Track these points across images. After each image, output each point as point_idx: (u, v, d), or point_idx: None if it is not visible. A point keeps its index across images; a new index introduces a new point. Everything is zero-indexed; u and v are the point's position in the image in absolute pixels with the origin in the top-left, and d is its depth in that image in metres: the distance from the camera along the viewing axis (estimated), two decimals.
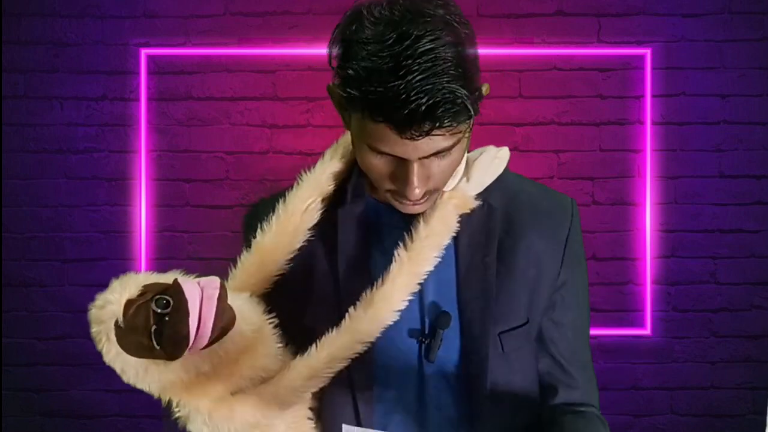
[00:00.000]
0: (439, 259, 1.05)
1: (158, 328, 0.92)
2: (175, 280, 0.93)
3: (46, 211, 2.47)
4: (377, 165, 0.99)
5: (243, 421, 1.00)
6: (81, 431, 2.46)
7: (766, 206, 2.45)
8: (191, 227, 2.47)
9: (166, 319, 0.92)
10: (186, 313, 0.90)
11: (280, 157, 2.43)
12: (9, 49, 2.46)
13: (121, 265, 2.43)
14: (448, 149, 0.96)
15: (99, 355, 0.95)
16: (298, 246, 1.09)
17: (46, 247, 2.47)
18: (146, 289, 0.95)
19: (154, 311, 0.92)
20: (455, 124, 0.93)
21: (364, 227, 1.10)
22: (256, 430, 1.02)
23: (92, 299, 0.95)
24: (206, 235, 2.46)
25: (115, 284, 0.96)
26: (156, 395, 1.00)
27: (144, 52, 2.45)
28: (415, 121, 0.90)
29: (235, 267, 1.09)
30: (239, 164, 2.45)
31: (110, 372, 0.96)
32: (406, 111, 0.89)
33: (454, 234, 1.07)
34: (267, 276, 1.09)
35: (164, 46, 2.45)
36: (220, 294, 0.92)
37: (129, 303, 0.94)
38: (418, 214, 1.06)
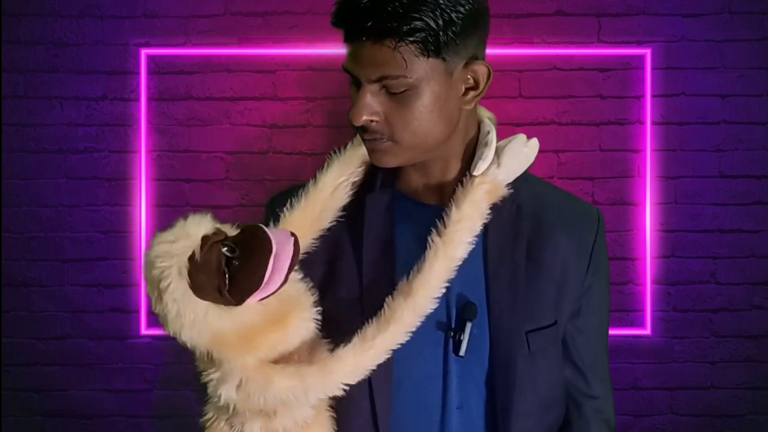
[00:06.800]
0: (473, 246, 1.04)
1: (228, 271, 0.92)
2: (260, 227, 0.94)
3: (46, 211, 2.47)
4: (353, 101, 0.98)
5: (276, 396, 0.97)
6: (81, 431, 2.46)
7: (766, 206, 2.45)
8: None
9: (235, 263, 0.91)
10: (269, 252, 0.91)
11: (280, 157, 2.43)
12: (9, 49, 2.46)
13: (121, 265, 2.43)
14: (395, 78, 0.94)
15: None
16: (326, 225, 1.09)
17: (46, 247, 2.47)
18: (218, 231, 0.95)
19: (224, 254, 0.92)
20: (403, 37, 0.92)
21: (390, 216, 1.09)
22: (284, 407, 0.99)
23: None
24: None
25: (189, 220, 0.96)
26: (202, 348, 0.96)
27: (144, 52, 2.45)
28: (358, 12, 0.91)
29: None
30: (239, 164, 2.45)
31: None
32: (354, 2, 0.91)
33: (483, 228, 1.06)
34: None
35: (164, 46, 2.45)
36: (295, 241, 0.93)
37: (204, 239, 0.93)
38: (449, 200, 1.05)
